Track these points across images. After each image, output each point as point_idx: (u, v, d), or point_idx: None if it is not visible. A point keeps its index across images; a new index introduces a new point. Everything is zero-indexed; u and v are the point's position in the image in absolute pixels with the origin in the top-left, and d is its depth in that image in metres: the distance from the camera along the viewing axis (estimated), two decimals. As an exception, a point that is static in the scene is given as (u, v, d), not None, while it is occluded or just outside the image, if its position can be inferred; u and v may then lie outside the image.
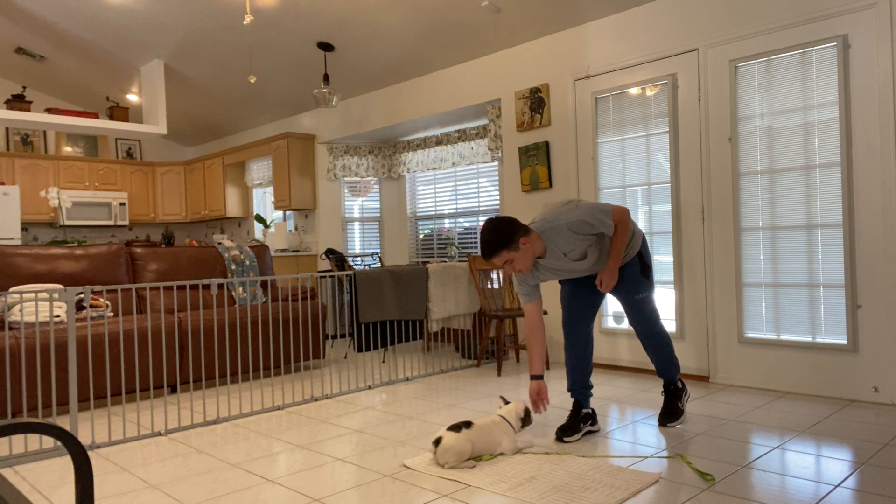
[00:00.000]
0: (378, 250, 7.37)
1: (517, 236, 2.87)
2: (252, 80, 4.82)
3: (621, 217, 2.99)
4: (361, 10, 4.99)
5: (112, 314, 4.36)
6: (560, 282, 3.30)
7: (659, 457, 2.78)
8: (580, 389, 3.20)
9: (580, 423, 3.11)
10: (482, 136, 6.17)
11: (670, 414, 3.26)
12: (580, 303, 3.20)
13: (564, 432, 3.06)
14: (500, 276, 5.19)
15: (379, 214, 7.36)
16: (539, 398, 3.05)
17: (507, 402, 3.02)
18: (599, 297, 3.24)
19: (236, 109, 7.54)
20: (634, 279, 3.14)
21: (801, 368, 3.80)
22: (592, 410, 3.19)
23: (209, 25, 5.52)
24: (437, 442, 2.72)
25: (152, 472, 2.79)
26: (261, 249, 5.51)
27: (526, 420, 2.96)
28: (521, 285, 3.11)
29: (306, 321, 4.95)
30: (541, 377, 3.07)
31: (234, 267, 5.24)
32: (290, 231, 7.45)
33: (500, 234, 2.87)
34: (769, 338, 3.93)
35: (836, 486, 2.38)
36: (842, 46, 3.59)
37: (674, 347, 3.32)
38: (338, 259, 5.88)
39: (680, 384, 3.33)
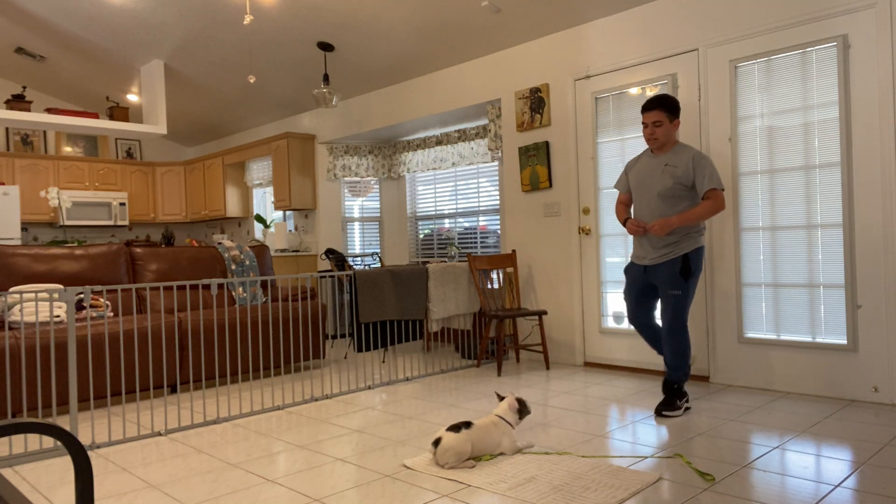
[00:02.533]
0: (378, 250, 7.37)
1: (678, 112, 3.51)
2: (252, 80, 4.82)
3: (720, 199, 3.38)
4: (361, 10, 4.99)
5: (112, 314, 4.36)
6: (627, 275, 3.68)
7: (659, 457, 2.78)
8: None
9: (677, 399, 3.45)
10: (482, 136, 6.17)
11: (667, 405, 3.43)
12: (635, 293, 3.61)
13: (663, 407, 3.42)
14: (500, 276, 5.19)
15: (379, 214, 7.36)
16: (637, 224, 3.50)
17: (501, 398, 3.02)
18: (653, 292, 3.60)
19: (236, 109, 7.54)
20: (673, 276, 3.44)
21: (801, 368, 3.80)
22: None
23: (209, 25, 5.52)
24: (437, 442, 2.72)
25: (152, 472, 2.79)
26: (261, 249, 5.51)
27: (523, 411, 2.95)
28: (623, 173, 3.72)
29: (306, 321, 4.95)
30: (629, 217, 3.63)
31: (234, 267, 5.24)
32: (290, 231, 7.45)
33: (671, 100, 3.48)
34: (769, 338, 3.93)
35: (836, 486, 2.38)
36: (842, 46, 3.59)
37: (690, 358, 3.58)
38: (338, 259, 5.88)
39: (683, 390, 3.51)
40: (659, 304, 3.58)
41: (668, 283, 3.45)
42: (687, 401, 3.49)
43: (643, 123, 3.52)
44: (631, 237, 4.28)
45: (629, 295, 3.66)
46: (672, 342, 3.46)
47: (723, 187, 3.42)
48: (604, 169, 4.71)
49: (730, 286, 4.08)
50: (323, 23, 5.26)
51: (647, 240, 3.52)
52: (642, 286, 3.59)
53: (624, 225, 3.65)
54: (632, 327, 4.59)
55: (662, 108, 3.45)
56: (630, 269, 3.66)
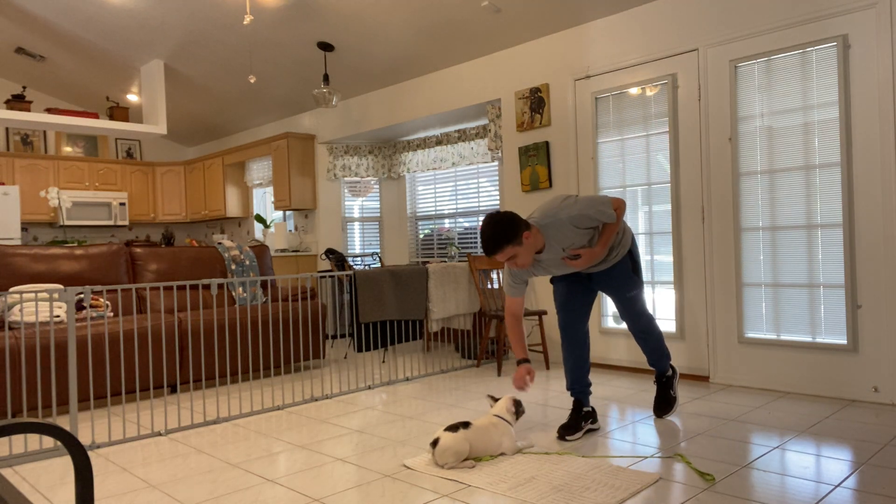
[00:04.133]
0: (378, 250, 7.37)
1: (520, 231, 2.87)
2: (252, 80, 4.82)
3: (619, 206, 3.03)
4: (361, 10, 4.99)
5: (112, 314, 4.36)
6: (553, 283, 3.34)
7: (659, 457, 2.78)
8: (580, 388, 3.23)
9: (581, 421, 3.14)
10: (482, 136, 6.17)
11: (664, 404, 3.38)
12: (575, 304, 3.25)
13: (566, 431, 3.08)
14: (500, 276, 5.19)
15: (379, 214, 7.36)
16: (529, 378, 3.05)
17: (495, 400, 3.02)
18: (592, 297, 3.30)
19: (236, 109, 7.54)
20: (626, 277, 3.20)
21: (801, 368, 3.80)
22: (592, 409, 3.22)
23: (209, 25, 5.52)
24: (435, 443, 2.72)
25: (152, 472, 2.79)
26: (261, 249, 5.51)
27: (518, 411, 2.96)
28: (513, 279, 3.09)
29: (306, 321, 4.95)
30: (527, 360, 3.10)
31: (234, 267, 5.24)
32: (290, 231, 7.45)
33: (504, 228, 2.86)
34: (769, 338, 3.93)
35: (836, 486, 2.38)
36: (842, 46, 3.59)
37: (664, 338, 3.41)
38: (338, 259, 5.88)
39: (670, 371, 3.45)
40: (616, 310, 3.33)
41: (623, 286, 3.19)
42: (676, 377, 3.44)
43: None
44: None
45: (569, 298, 3.24)
46: (648, 340, 3.31)
47: (609, 198, 3.02)
48: (604, 169, 4.71)
49: (730, 286, 4.08)
50: (323, 23, 5.26)
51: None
52: (585, 290, 3.24)
53: (520, 361, 3.08)
54: (626, 327, 4.58)
55: (504, 243, 2.86)
56: (569, 276, 3.28)
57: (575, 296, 3.24)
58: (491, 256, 2.92)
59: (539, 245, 2.98)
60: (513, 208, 5.32)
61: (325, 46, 5.63)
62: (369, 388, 4.36)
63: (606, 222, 2.99)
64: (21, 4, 5.52)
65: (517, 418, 2.96)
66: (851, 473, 2.50)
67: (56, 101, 8.10)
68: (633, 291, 3.21)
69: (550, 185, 5.02)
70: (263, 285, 5.35)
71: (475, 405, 3.77)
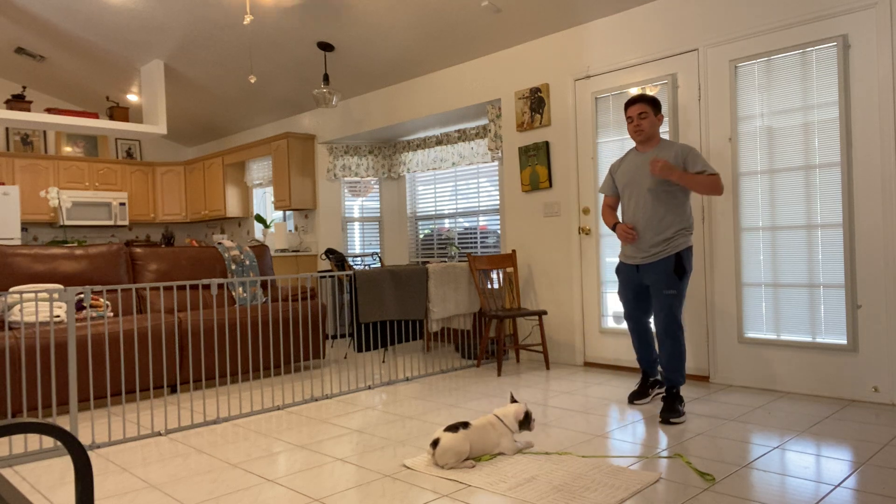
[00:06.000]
0: (378, 250, 7.37)
1: (660, 108, 3.56)
2: (252, 80, 4.82)
3: (720, 181, 3.39)
4: (361, 9, 4.99)
5: (112, 314, 4.36)
6: (619, 275, 3.70)
7: (659, 457, 2.78)
8: (646, 363, 3.68)
9: (649, 388, 3.66)
10: (482, 136, 6.17)
11: (672, 411, 3.33)
12: (629, 294, 3.65)
13: (635, 396, 3.63)
14: (500, 276, 5.19)
15: (379, 214, 7.36)
16: (627, 230, 3.51)
17: (514, 401, 2.99)
18: (644, 290, 3.61)
19: (236, 109, 7.54)
20: (668, 274, 3.44)
21: (801, 368, 3.80)
22: (658, 379, 3.69)
23: (209, 25, 5.52)
24: (435, 443, 2.71)
25: (152, 472, 2.79)
26: (261, 249, 5.51)
27: (525, 424, 2.91)
28: (609, 175, 3.74)
29: (306, 321, 4.95)
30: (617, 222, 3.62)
31: (234, 267, 5.24)
32: (290, 231, 7.45)
33: (653, 97, 3.56)
34: (769, 338, 3.93)
35: (836, 486, 2.38)
36: (842, 46, 3.59)
37: (686, 360, 3.54)
38: (338, 259, 5.88)
39: (681, 394, 3.47)
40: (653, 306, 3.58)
41: (663, 282, 3.44)
42: (683, 406, 3.40)
43: (628, 118, 3.56)
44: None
45: (624, 294, 3.68)
46: (669, 344, 3.43)
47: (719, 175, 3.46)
48: (604, 169, 4.71)
49: (730, 286, 4.08)
50: (323, 23, 5.26)
51: (638, 238, 3.54)
52: (636, 286, 3.62)
53: (613, 230, 3.65)
54: (626, 327, 4.59)
55: (646, 102, 3.51)
56: (622, 269, 3.67)
57: (627, 287, 3.65)
58: (630, 105, 3.53)
59: (655, 139, 3.56)
60: (513, 208, 5.32)
61: (325, 46, 5.63)
62: (369, 388, 4.36)
63: (710, 172, 3.38)
64: (21, 4, 5.52)
65: (521, 429, 2.89)
66: (851, 473, 2.50)
67: (56, 101, 8.09)
68: (672, 291, 3.43)
69: (550, 185, 5.02)
70: (263, 285, 5.35)
71: (475, 405, 3.77)
